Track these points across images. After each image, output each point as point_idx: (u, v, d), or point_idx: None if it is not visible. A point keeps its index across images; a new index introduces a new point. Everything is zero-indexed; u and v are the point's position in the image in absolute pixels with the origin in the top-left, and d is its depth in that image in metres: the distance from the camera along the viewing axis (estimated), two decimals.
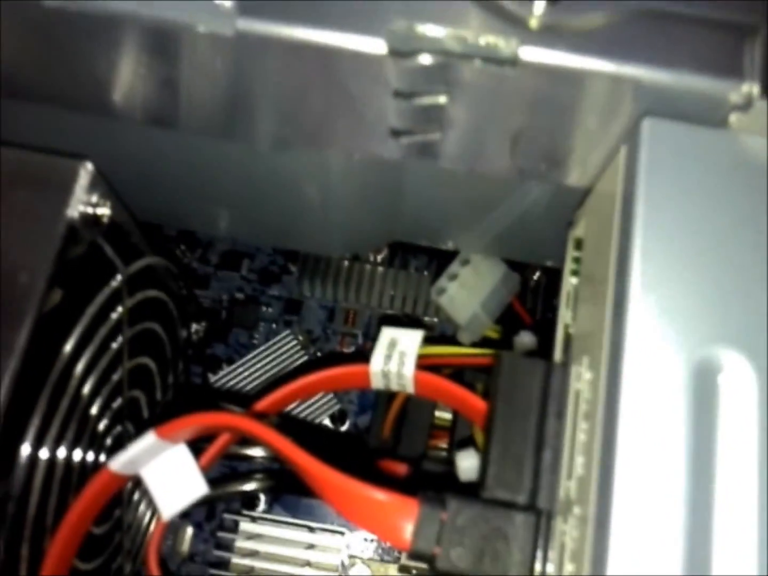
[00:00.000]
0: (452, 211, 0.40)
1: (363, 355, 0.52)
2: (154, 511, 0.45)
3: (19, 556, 0.29)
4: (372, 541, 0.54)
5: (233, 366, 0.57)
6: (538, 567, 0.28)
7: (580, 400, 0.27)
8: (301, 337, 0.59)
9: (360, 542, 0.54)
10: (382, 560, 0.54)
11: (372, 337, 0.59)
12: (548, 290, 0.57)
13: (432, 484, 0.44)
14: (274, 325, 0.59)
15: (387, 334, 0.40)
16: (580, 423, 0.26)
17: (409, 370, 0.39)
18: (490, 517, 0.28)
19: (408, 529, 0.28)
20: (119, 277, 0.34)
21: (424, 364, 0.39)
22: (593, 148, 0.30)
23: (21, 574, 0.29)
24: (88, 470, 0.34)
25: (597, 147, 0.30)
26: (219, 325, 0.58)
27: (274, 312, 0.59)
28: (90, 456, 0.35)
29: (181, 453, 0.32)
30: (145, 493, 0.43)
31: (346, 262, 0.59)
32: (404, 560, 0.53)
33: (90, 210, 0.32)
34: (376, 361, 0.39)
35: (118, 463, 0.31)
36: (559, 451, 0.29)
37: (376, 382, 0.40)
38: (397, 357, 0.39)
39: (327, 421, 0.57)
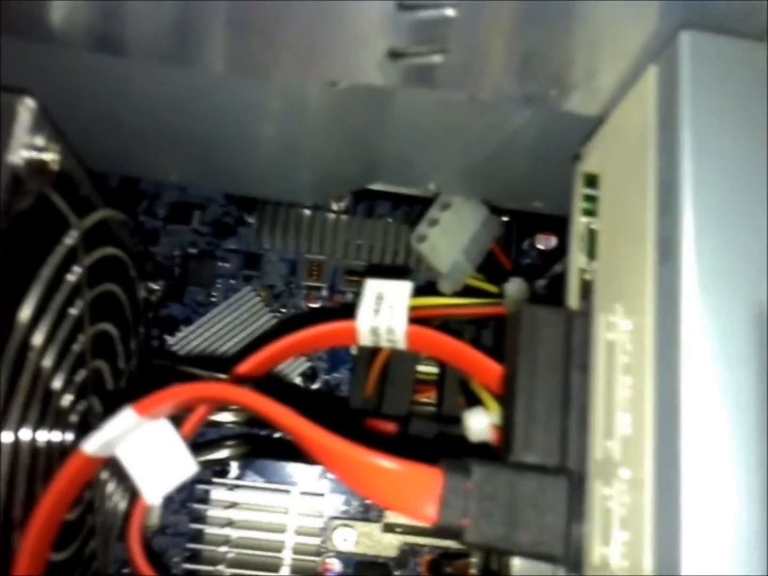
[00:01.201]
0: (439, 147, 0.36)
1: (344, 311, 0.49)
2: (126, 489, 0.42)
3: None
4: (353, 500, 0.52)
5: (192, 327, 0.53)
6: (575, 532, 0.26)
7: (616, 352, 0.25)
8: (262, 293, 0.55)
9: (341, 503, 0.52)
10: (365, 520, 0.52)
11: (338, 290, 0.56)
12: (520, 234, 0.55)
13: (433, 446, 0.42)
14: (232, 281, 0.55)
15: (372, 286, 0.37)
16: (619, 377, 0.24)
17: (401, 324, 0.36)
18: (519, 482, 0.26)
19: (432, 501, 0.26)
20: (74, 233, 0.30)
21: (412, 317, 0.36)
22: (611, 69, 0.27)
23: None
24: (54, 452, 0.30)
25: (615, 68, 0.27)
26: (173, 283, 0.54)
27: (232, 267, 0.55)
28: (55, 436, 0.31)
29: (164, 429, 0.29)
30: (115, 472, 0.39)
31: (307, 212, 0.55)
32: (387, 518, 0.51)
33: (35, 155, 0.27)
34: (364, 317, 0.36)
35: (93, 445, 0.28)
36: (586, 408, 0.27)
37: (364, 339, 0.37)
38: (386, 311, 0.36)
39: (298, 380, 0.54)
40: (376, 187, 0.48)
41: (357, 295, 0.55)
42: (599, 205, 0.29)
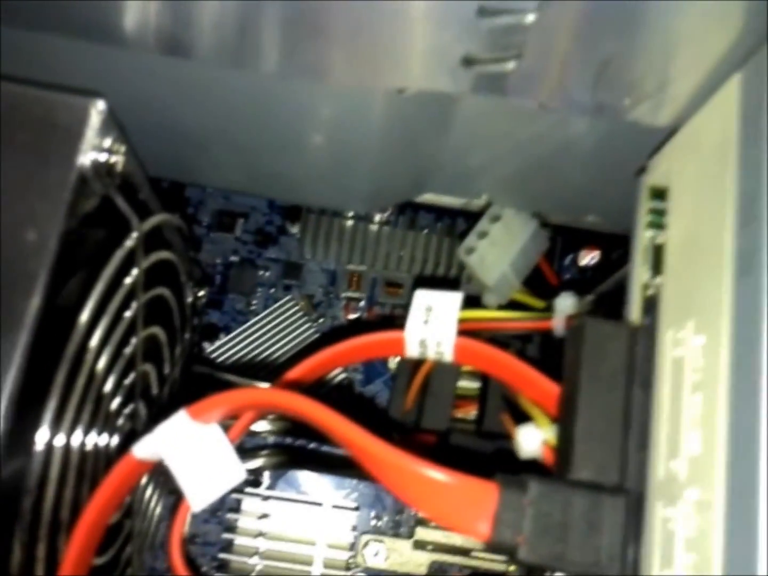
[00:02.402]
0: (497, 158, 0.36)
1: (390, 322, 0.48)
2: (161, 495, 0.41)
3: (34, 556, 0.25)
4: (384, 515, 0.51)
5: (231, 335, 0.53)
6: (630, 554, 0.25)
7: (685, 369, 0.24)
8: (302, 302, 0.55)
9: (372, 518, 0.51)
10: (396, 536, 0.51)
11: (377, 302, 0.55)
12: (564, 250, 0.55)
13: (475, 462, 0.41)
14: (272, 290, 0.55)
15: (422, 297, 0.37)
16: (687, 394, 0.23)
17: (450, 337, 0.35)
18: (576, 501, 0.25)
19: (486, 517, 0.25)
20: (134, 235, 0.30)
21: (459, 329, 0.35)
22: (689, 78, 0.27)
23: None
24: (101, 456, 0.30)
25: (693, 77, 0.26)
26: (214, 290, 0.54)
27: (272, 276, 0.55)
28: (103, 439, 0.30)
29: (215, 434, 0.28)
30: (151, 476, 0.39)
31: (349, 222, 0.55)
32: (418, 535, 0.50)
33: (103, 157, 0.27)
34: (413, 328, 0.36)
35: (144, 449, 0.27)
36: (647, 426, 0.26)
37: (412, 350, 0.36)
38: (435, 323, 0.36)
39: (332, 392, 0.54)
40: (423, 198, 0.48)
41: (395, 307, 0.56)
42: (668, 218, 0.28)
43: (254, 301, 0.55)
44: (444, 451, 0.43)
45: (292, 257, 0.55)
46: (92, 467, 0.29)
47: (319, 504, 0.50)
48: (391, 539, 0.50)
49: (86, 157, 0.26)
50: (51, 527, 0.26)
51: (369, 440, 0.26)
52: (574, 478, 0.26)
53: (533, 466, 0.32)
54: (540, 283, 0.49)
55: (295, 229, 0.55)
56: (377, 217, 0.55)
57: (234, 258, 0.55)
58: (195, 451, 0.27)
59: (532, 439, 0.30)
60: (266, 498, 0.50)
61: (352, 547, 0.50)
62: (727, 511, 0.20)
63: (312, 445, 0.51)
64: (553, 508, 0.25)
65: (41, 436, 0.25)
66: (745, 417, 0.20)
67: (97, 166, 0.27)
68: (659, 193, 0.29)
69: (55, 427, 0.26)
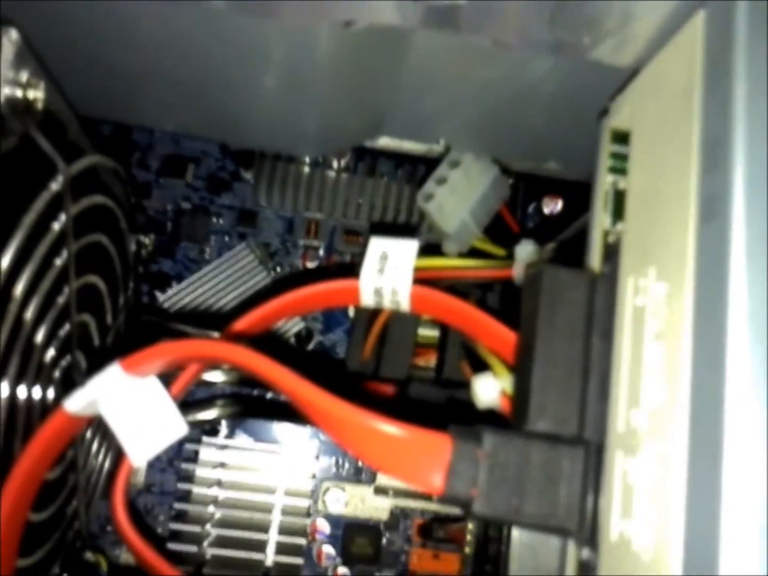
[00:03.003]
0: (453, 99, 0.34)
1: (341, 271, 0.47)
2: (109, 448, 0.40)
3: None
4: (345, 462, 0.51)
5: (183, 284, 0.51)
6: (589, 506, 0.24)
7: (647, 317, 0.23)
8: (257, 251, 0.53)
9: (332, 465, 0.50)
10: (357, 482, 0.50)
11: (336, 250, 0.54)
12: (527, 197, 0.53)
13: (434, 412, 0.40)
14: (226, 238, 0.53)
15: (377, 244, 0.35)
16: (650, 343, 0.22)
17: (406, 286, 0.34)
18: (533, 452, 0.24)
19: (439, 470, 0.24)
20: (60, 178, 0.27)
21: (417, 278, 0.34)
22: (651, 14, 0.25)
23: None
24: (35, 409, 0.28)
25: (655, 13, 0.25)
26: (165, 238, 0.52)
27: (226, 223, 0.53)
28: (37, 392, 0.29)
29: (153, 388, 0.27)
30: (98, 430, 0.38)
31: (306, 168, 0.53)
32: (379, 481, 0.50)
33: (19, 92, 0.25)
34: (367, 277, 0.34)
35: (76, 403, 0.26)
36: (606, 376, 0.25)
37: (367, 300, 0.35)
38: (390, 271, 0.34)
39: (292, 341, 0.53)
40: (379, 144, 0.46)
41: (355, 255, 0.54)
42: (630, 162, 0.27)
43: (207, 250, 0.53)
44: (403, 400, 0.42)
45: (246, 204, 0.53)
46: (25, 420, 0.28)
47: (278, 452, 0.49)
48: (352, 485, 0.50)
49: None
50: None
51: (314, 392, 0.24)
52: (531, 429, 0.25)
53: (492, 417, 0.31)
54: (501, 231, 0.47)
55: (249, 175, 0.53)
56: (335, 164, 0.52)
57: (185, 205, 0.52)
58: (132, 405, 0.26)
59: (490, 389, 0.29)
60: (223, 447, 0.49)
61: (313, 494, 0.50)
62: (690, 463, 0.19)
63: (269, 395, 0.50)
64: (509, 460, 0.24)
65: None
66: (709, 366, 0.19)
67: (12, 101, 0.24)
68: (621, 137, 0.28)
69: None
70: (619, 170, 0.28)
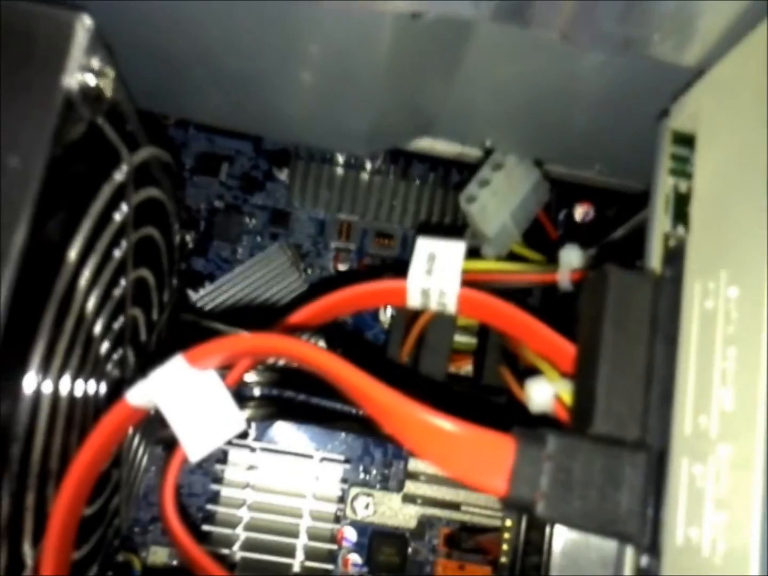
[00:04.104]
0: (506, 98, 0.34)
1: (372, 274, 0.46)
2: (147, 443, 0.40)
3: (23, 505, 0.24)
4: (374, 469, 0.51)
5: (216, 283, 0.51)
6: (649, 512, 0.24)
7: (718, 321, 0.23)
8: (289, 252, 0.53)
9: (361, 471, 0.50)
10: (385, 489, 0.50)
11: (367, 253, 0.54)
12: (558, 204, 0.53)
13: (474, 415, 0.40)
14: (258, 238, 0.53)
15: (424, 245, 0.35)
16: (720, 347, 0.22)
17: (454, 287, 0.34)
18: (596, 456, 0.24)
19: (502, 472, 0.24)
20: (125, 168, 0.27)
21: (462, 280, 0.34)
22: (723, 14, 0.25)
23: (26, 525, 0.24)
24: (89, 403, 0.28)
25: (728, 13, 0.25)
26: (198, 237, 0.52)
27: (259, 223, 0.53)
28: (91, 386, 0.29)
29: (212, 381, 0.27)
30: (138, 425, 0.37)
31: (340, 170, 0.53)
32: (408, 489, 0.50)
33: (91, 79, 0.25)
34: (415, 277, 0.34)
35: (138, 395, 0.26)
36: (671, 380, 0.25)
37: (414, 301, 0.35)
38: (438, 272, 0.34)
39: (321, 343, 0.52)
40: (417, 147, 0.46)
41: (385, 259, 0.54)
42: (695, 165, 0.26)
43: (239, 249, 0.53)
44: (441, 404, 0.41)
45: (279, 205, 0.53)
46: (81, 415, 0.28)
47: (308, 456, 0.49)
48: (380, 492, 0.50)
49: (72, 78, 0.24)
50: (40, 476, 0.24)
51: (380, 389, 0.24)
52: (594, 432, 0.25)
53: (539, 421, 0.31)
54: (536, 236, 0.47)
55: (282, 175, 0.53)
56: (369, 166, 0.53)
57: (219, 203, 0.53)
58: (192, 398, 0.26)
59: (544, 393, 0.29)
60: (254, 449, 0.49)
61: (341, 499, 0.49)
62: (766, 469, 0.19)
63: (301, 397, 0.49)
64: (572, 464, 0.24)
65: (29, 381, 0.23)
66: None
67: (84, 88, 0.24)
68: (683, 139, 0.28)
69: (43, 372, 0.24)
70: (680, 172, 0.28)
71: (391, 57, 0.30)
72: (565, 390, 0.29)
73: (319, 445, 0.50)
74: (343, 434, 0.51)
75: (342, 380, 0.25)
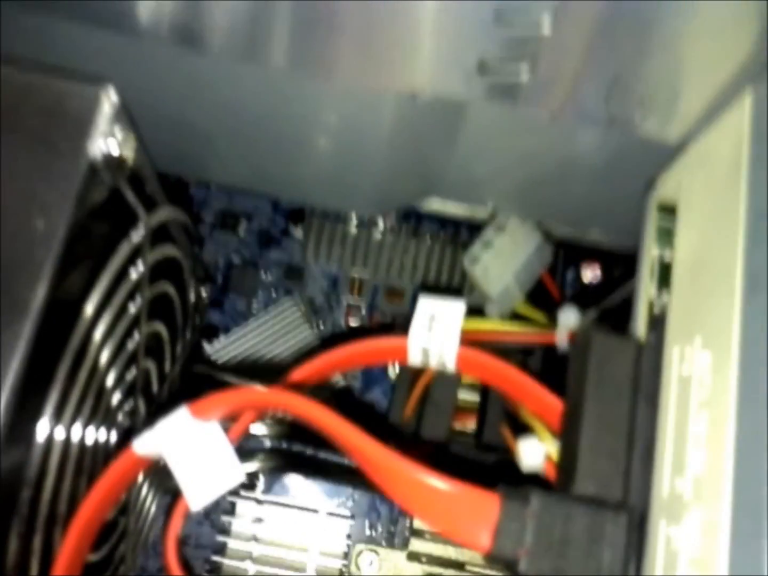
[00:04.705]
0: (505, 165, 0.36)
1: (390, 330, 0.48)
2: (156, 492, 0.41)
3: (30, 548, 0.25)
4: (379, 525, 0.51)
5: (231, 336, 0.53)
6: (631, 571, 0.25)
7: (692, 386, 0.24)
8: (302, 307, 0.55)
9: (366, 527, 0.51)
10: (390, 546, 0.51)
11: (378, 309, 0.55)
12: (566, 265, 0.55)
13: (478, 474, 0.41)
14: (273, 293, 0.55)
15: (425, 304, 0.37)
16: (694, 411, 0.23)
17: (453, 346, 0.35)
18: (578, 515, 0.25)
19: (486, 528, 0.25)
20: (142, 230, 0.30)
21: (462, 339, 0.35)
22: (700, 92, 0.26)
23: (31, 568, 0.25)
24: (99, 450, 0.30)
25: (704, 91, 0.26)
26: (215, 290, 0.54)
27: (274, 278, 0.55)
28: (102, 434, 0.30)
29: (214, 433, 0.28)
30: (148, 474, 0.39)
31: (353, 228, 0.55)
32: (413, 546, 0.50)
33: (114, 148, 0.27)
34: (416, 335, 0.35)
35: (144, 444, 0.27)
36: (652, 442, 0.26)
37: (414, 358, 0.36)
38: (438, 331, 0.35)
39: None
40: (427, 207, 0.48)
41: (395, 315, 0.55)
42: (677, 234, 0.28)
43: (254, 303, 0.55)
44: (442, 462, 0.42)
45: (294, 260, 0.55)
46: (90, 462, 0.29)
47: (314, 510, 0.50)
48: (385, 550, 0.50)
49: (97, 147, 0.26)
50: (48, 520, 0.26)
51: (370, 444, 0.26)
52: (577, 492, 0.25)
53: (532, 480, 0.31)
54: (542, 296, 0.49)
55: (298, 232, 0.55)
56: (381, 224, 0.55)
57: (236, 258, 0.55)
58: (195, 448, 0.27)
59: (535, 452, 0.30)
60: (261, 502, 0.50)
61: (346, 556, 0.50)
62: (733, 532, 0.20)
63: (309, 451, 0.50)
64: (555, 522, 0.25)
65: (42, 428, 0.25)
66: (753, 436, 0.20)
67: (107, 157, 0.27)
68: (667, 210, 0.29)
69: (56, 420, 0.25)
70: (665, 242, 0.29)
71: (394, 130, 0.32)
72: (555, 450, 0.30)
73: (325, 499, 0.51)
74: (349, 489, 0.51)
75: (336, 436, 0.26)
